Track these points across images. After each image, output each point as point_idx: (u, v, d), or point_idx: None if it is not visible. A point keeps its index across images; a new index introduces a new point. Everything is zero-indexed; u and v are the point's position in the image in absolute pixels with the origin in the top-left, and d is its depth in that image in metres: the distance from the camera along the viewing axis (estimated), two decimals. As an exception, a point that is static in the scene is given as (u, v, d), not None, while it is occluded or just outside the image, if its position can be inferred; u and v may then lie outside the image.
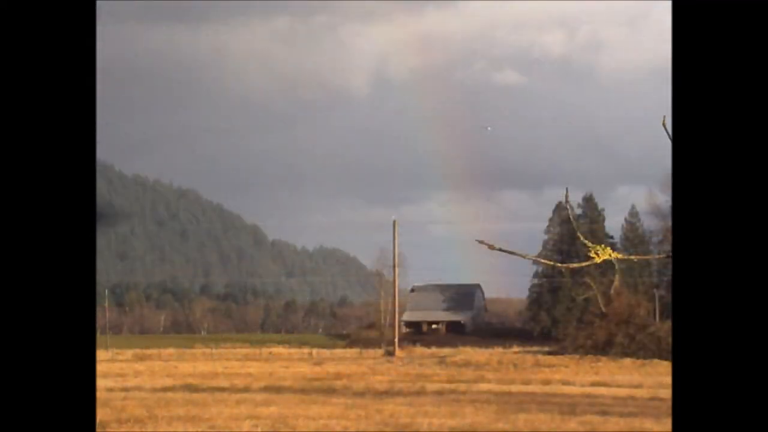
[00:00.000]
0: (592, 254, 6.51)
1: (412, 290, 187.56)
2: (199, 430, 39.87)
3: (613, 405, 50.93)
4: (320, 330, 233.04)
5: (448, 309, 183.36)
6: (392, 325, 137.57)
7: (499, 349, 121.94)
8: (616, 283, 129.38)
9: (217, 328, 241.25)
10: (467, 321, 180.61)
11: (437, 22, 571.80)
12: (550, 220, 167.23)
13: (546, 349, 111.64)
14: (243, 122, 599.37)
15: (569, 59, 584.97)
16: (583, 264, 6.77)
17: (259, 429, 39.33)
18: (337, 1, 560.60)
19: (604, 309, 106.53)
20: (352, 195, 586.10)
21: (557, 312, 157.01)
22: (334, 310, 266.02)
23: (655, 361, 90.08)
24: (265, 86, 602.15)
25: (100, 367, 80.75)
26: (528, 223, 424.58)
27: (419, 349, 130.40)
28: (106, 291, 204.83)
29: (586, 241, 6.55)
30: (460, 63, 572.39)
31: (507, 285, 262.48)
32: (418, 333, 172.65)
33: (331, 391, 61.27)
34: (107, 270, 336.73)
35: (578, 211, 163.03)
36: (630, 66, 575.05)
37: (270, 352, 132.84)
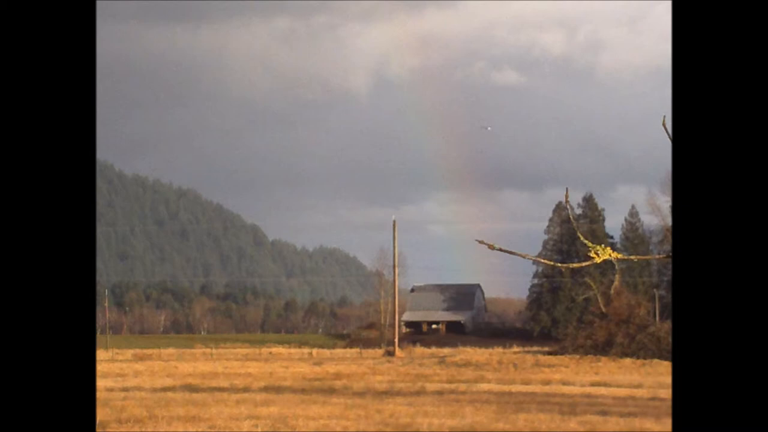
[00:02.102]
0: (592, 254, 6.51)
1: (412, 290, 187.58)
2: (199, 430, 39.86)
3: (613, 405, 50.92)
4: (320, 330, 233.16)
5: (448, 309, 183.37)
6: (392, 325, 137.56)
7: (499, 349, 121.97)
8: (616, 283, 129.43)
9: (217, 328, 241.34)
10: (467, 321, 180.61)
11: (437, 22, 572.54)
12: (550, 220, 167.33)
13: (546, 349, 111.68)
14: (243, 122, 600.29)
15: (569, 59, 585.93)
16: (583, 264, 6.77)
17: (259, 429, 39.33)
18: (337, 1, 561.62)
19: (604, 309, 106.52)
20: (352, 195, 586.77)
21: (557, 312, 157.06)
22: (334, 310, 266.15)
23: (655, 361, 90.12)
24: (265, 86, 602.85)
25: (100, 367, 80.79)
26: (528, 223, 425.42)
27: (419, 349, 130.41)
28: (106, 291, 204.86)
29: (586, 241, 6.55)
30: (460, 63, 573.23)
31: (507, 285, 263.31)
32: (418, 333, 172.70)
33: (331, 391, 61.27)
34: (107, 270, 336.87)
35: (578, 211, 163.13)
36: (630, 66, 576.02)
37: (270, 352, 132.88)
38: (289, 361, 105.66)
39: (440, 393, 59.22)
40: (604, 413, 45.98)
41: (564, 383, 69.51)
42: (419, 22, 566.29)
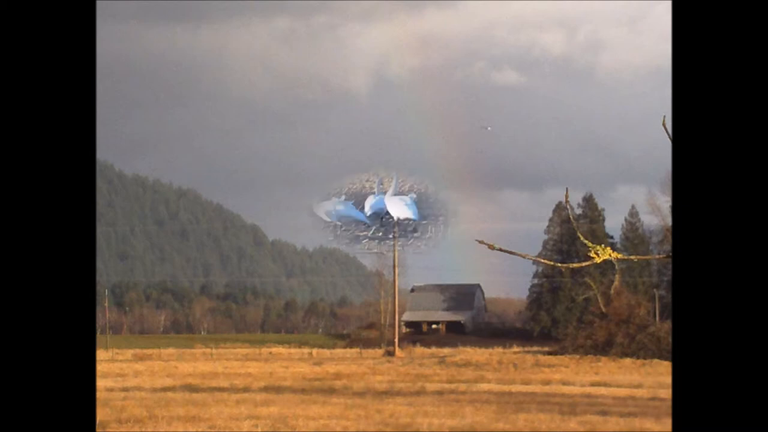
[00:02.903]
0: (592, 254, 6.51)
1: (412, 290, 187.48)
2: (199, 430, 39.87)
3: (613, 405, 50.94)
4: (320, 330, 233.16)
5: (448, 309, 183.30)
6: (392, 325, 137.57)
7: (499, 349, 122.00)
8: (616, 283, 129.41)
9: (217, 328, 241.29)
10: (467, 321, 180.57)
11: (437, 22, 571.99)
12: (550, 220, 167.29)
13: (546, 349, 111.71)
14: (243, 122, 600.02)
15: (569, 59, 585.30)
16: (583, 264, 6.77)
17: (259, 429, 39.33)
18: (337, 1, 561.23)
19: (604, 309, 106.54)
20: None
21: (557, 312, 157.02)
22: (334, 310, 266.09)
23: (655, 361, 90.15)
24: (265, 86, 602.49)
25: (100, 367, 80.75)
26: (528, 223, 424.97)
27: (419, 349, 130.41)
28: (106, 291, 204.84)
29: (586, 241, 6.55)
30: (460, 63, 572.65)
31: (507, 285, 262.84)
32: (418, 333, 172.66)
33: (331, 391, 61.27)
34: (107, 270, 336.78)
35: (578, 211, 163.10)
36: (630, 66, 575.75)
37: (270, 352, 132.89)
38: (289, 361, 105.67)
39: (440, 393, 59.23)
40: (604, 413, 45.99)
41: (564, 383, 69.52)
42: (419, 22, 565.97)
